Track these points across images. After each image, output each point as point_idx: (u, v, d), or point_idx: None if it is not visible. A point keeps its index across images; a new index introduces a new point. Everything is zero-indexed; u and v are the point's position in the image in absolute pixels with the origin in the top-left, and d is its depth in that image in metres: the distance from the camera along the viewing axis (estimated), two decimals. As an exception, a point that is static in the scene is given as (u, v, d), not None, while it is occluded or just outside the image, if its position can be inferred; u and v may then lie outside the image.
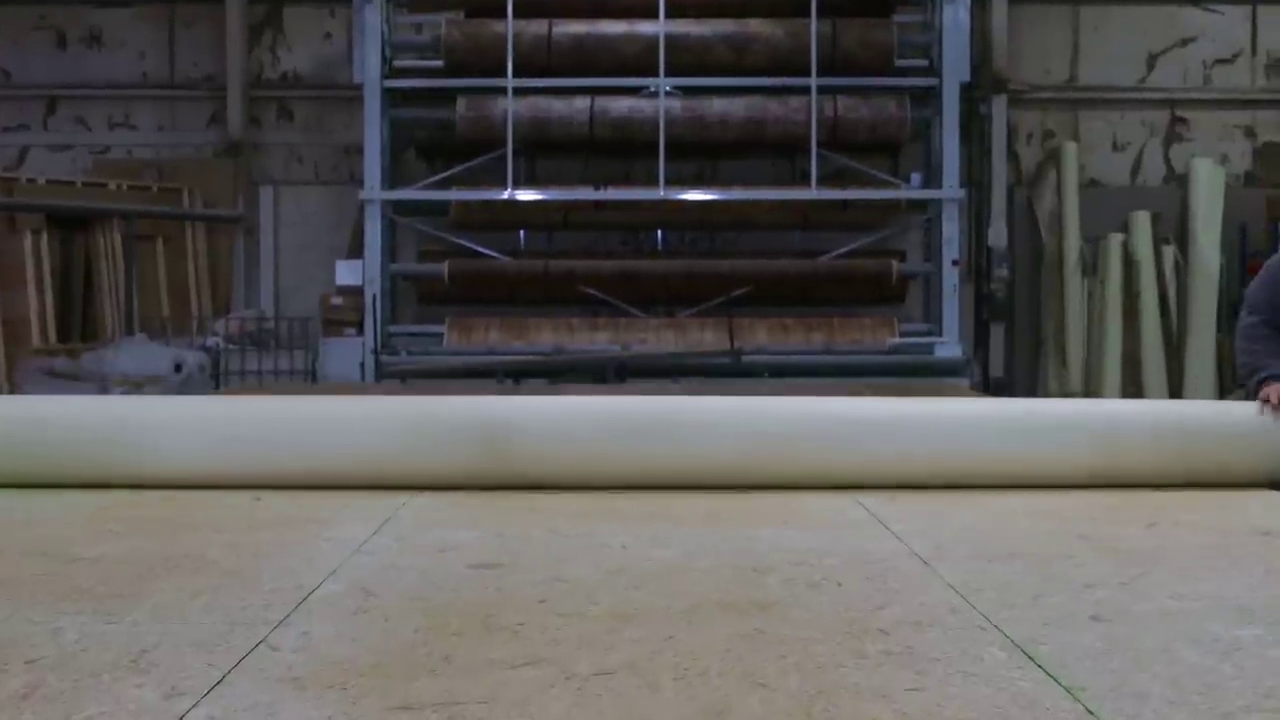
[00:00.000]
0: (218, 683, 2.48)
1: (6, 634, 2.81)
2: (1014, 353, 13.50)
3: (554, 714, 2.33)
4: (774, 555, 3.60)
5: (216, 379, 12.06)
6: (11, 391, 11.56)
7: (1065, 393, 13.02)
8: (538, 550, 3.68)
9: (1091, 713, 2.33)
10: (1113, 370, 12.95)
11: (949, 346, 12.42)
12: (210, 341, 12.40)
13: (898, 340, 12.58)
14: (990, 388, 13.12)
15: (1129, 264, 12.96)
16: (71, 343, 12.16)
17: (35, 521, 4.04)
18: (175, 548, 3.65)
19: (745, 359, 12.14)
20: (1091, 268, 13.11)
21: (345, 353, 12.58)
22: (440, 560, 3.55)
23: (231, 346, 12.41)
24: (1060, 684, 2.49)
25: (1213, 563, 3.55)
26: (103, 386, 11.37)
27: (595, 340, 12.64)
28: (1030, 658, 2.66)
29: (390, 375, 11.91)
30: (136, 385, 11.43)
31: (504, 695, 2.41)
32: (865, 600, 3.14)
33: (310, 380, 12.34)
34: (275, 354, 12.51)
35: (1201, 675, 2.55)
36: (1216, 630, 2.87)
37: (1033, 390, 13.36)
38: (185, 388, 11.64)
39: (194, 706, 2.34)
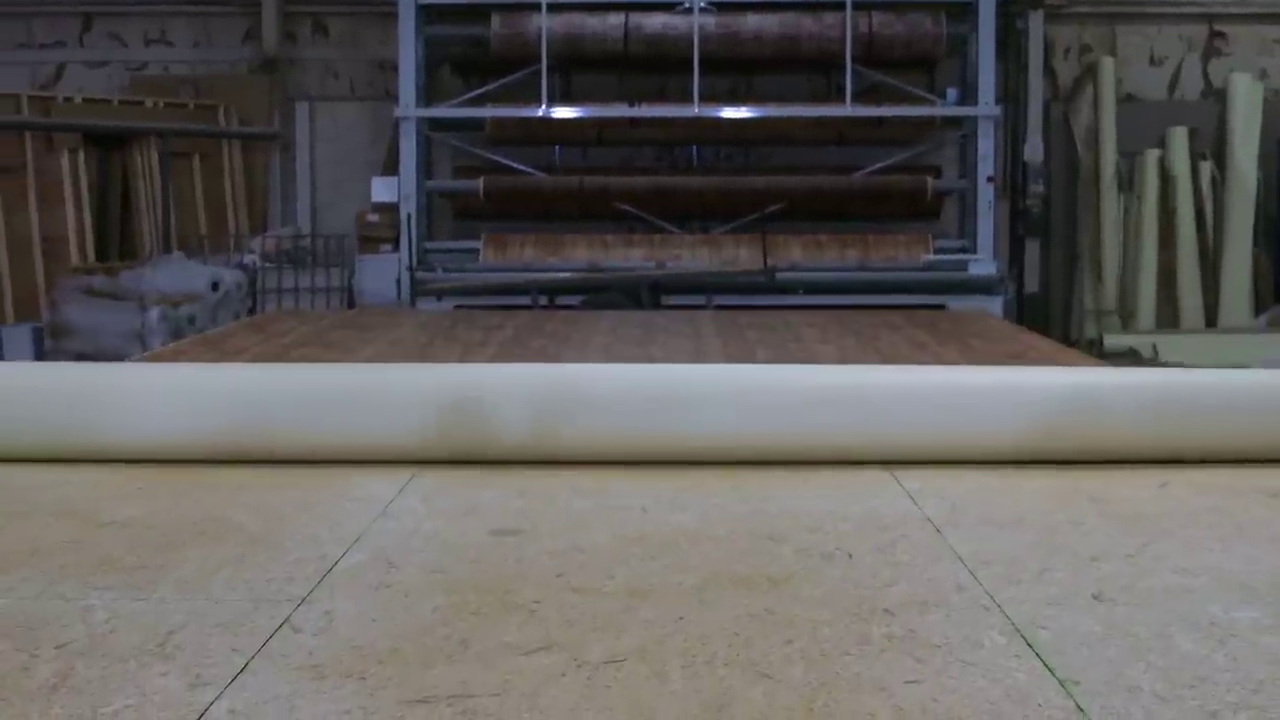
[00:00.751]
0: (240, 670, 2.57)
1: (38, 614, 2.90)
2: (1049, 269, 13.49)
3: (562, 708, 2.41)
4: (789, 521, 3.66)
5: (253, 297, 12.18)
6: (52, 309, 11.70)
7: (1100, 309, 13.03)
8: (559, 513, 3.76)
9: (1081, 709, 2.39)
10: (1148, 286, 12.94)
11: (983, 264, 12.43)
12: (247, 259, 12.50)
13: (932, 257, 12.58)
14: (1024, 304, 13.14)
15: (1165, 179, 12.92)
16: (109, 261, 12.29)
17: (62, 481, 4.13)
18: (200, 509, 3.74)
19: (779, 276, 12.18)
20: (1128, 183, 13.07)
21: (381, 270, 12.68)
22: (463, 525, 3.63)
23: (268, 265, 12.51)
24: (1055, 675, 2.56)
25: (1219, 530, 3.60)
26: (141, 304, 11.50)
27: (630, 257, 12.70)
28: (1029, 644, 2.73)
29: (426, 293, 12.00)
30: (174, 304, 11.56)
31: (516, 686, 2.50)
32: (874, 576, 3.21)
33: (346, 298, 12.44)
34: (312, 272, 12.61)
35: (1195, 666, 2.61)
36: (1215, 612, 2.93)
37: (1067, 306, 13.36)
38: (222, 306, 11.77)
39: (216, 699, 2.43)
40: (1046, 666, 2.61)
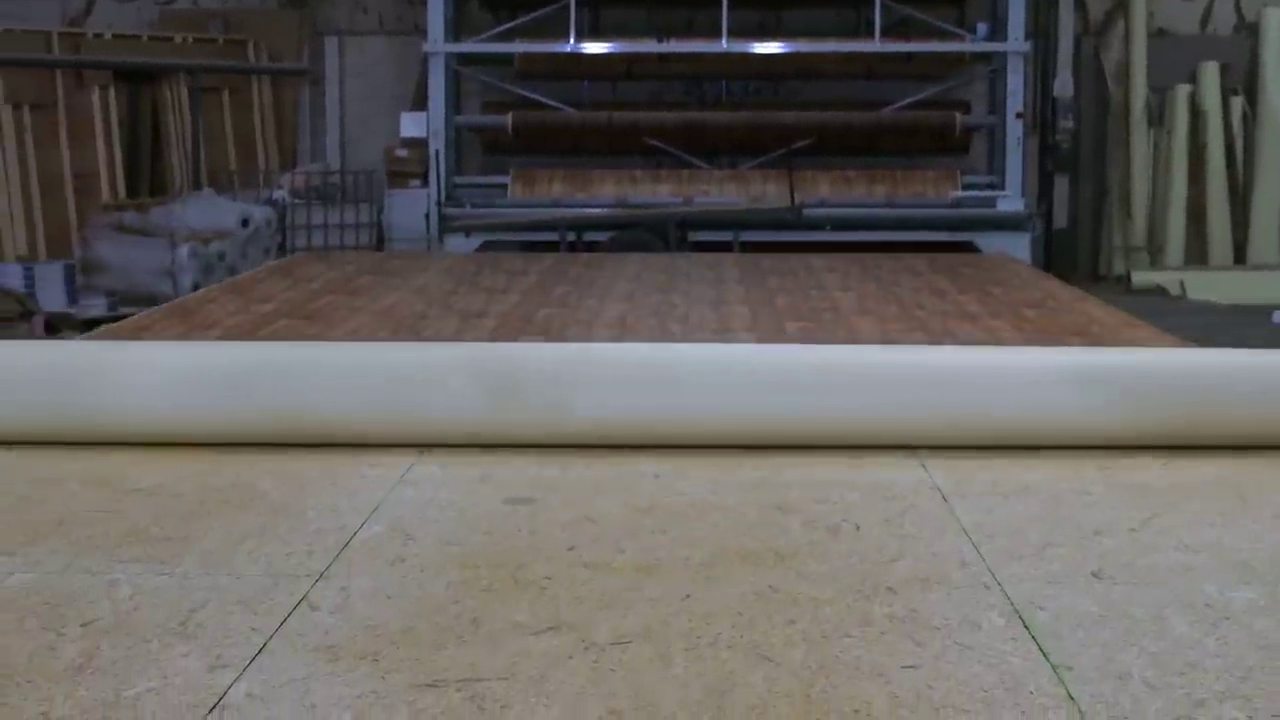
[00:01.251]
0: (259, 651, 2.66)
1: (65, 589, 2.99)
2: (1078, 205, 13.47)
3: (568, 693, 2.49)
4: (798, 491, 3.73)
5: (283, 234, 12.26)
6: (83, 246, 11.81)
7: (1128, 245, 13.02)
8: (572, 480, 3.84)
9: (1072, 698, 2.46)
10: (1177, 222, 12.92)
11: (1011, 200, 12.43)
12: (276, 195, 12.57)
13: (960, 193, 12.58)
14: (1053, 240, 13.13)
15: (1196, 115, 12.88)
16: (140, 198, 12.37)
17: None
18: (225, 477, 3.83)
19: (807, 212, 12.20)
20: (1158, 119, 13.02)
21: (410, 205, 12.74)
22: (478, 493, 3.71)
23: (297, 201, 12.58)
24: (1049, 660, 2.62)
25: (1224, 504, 3.65)
26: (171, 241, 11.59)
27: (658, 192, 12.73)
28: (1026, 626, 2.80)
29: (454, 230, 12.07)
30: (204, 240, 11.65)
31: (523, 669, 2.58)
32: (880, 550, 3.28)
33: (375, 234, 12.51)
34: (341, 208, 12.68)
35: (1186, 652, 2.67)
36: (1211, 593, 3.00)
37: (1096, 242, 13.35)
38: (252, 243, 11.85)
39: (234, 682, 2.52)
40: (1041, 650, 2.68)
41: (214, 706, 2.43)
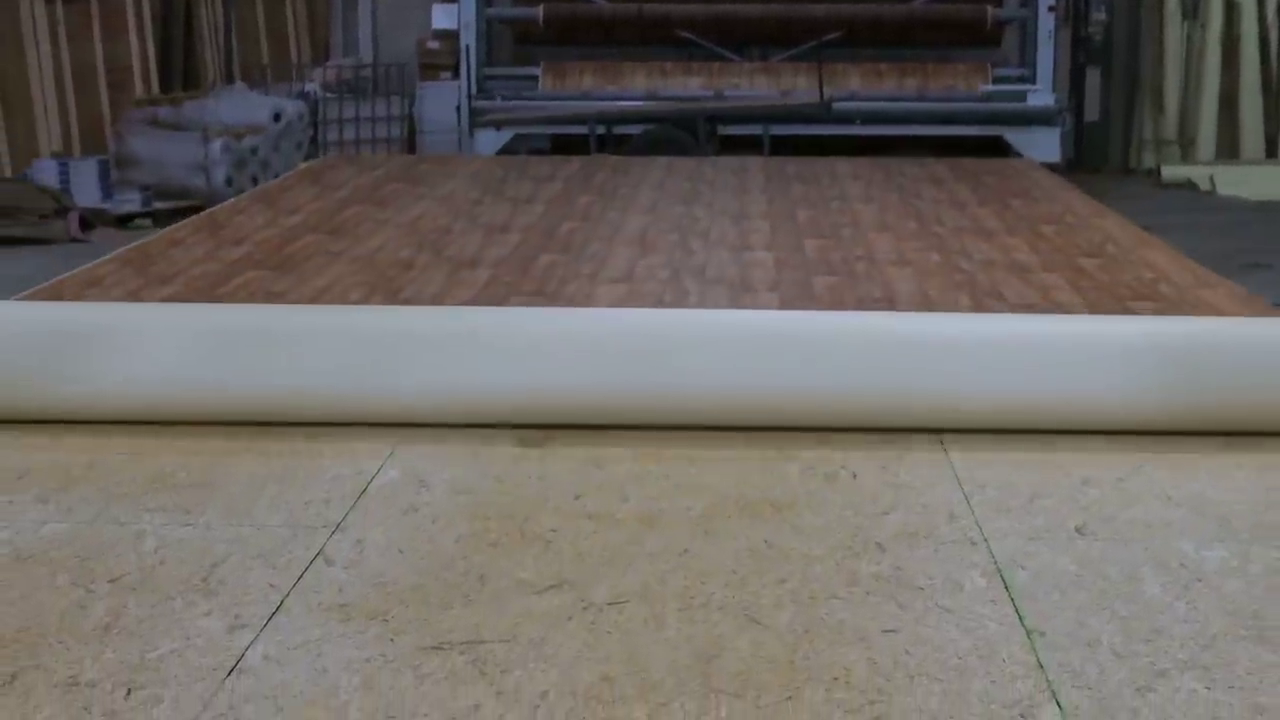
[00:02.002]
0: (276, 610, 2.82)
1: (95, 541, 3.16)
2: (1109, 98, 13.45)
3: (565, 656, 2.65)
4: (800, 434, 3.85)
5: (315, 128, 12.35)
6: (117, 140, 11.93)
7: (1159, 138, 13.01)
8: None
9: (1041, 666, 2.60)
10: (1209, 116, 12.90)
11: (1042, 94, 12.42)
12: (308, 89, 12.64)
13: (991, 87, 12.56)
14: (1083, 134, 13.12)
15: (1230, 6, 12.81)
16: (173, 92, 12.46)
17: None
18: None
19: (836, 106, 12.22)
20: (1192, 11, 12.95)
21: (441, 98, 12.82)
22: (492, 438, 3.84)
23: (329, 94, 12.65)
24: (1024, 624, 2.77)
25: (1213, 452, 3.76)
26: (204, 136, 11.70)
27: (688, 85, 12.77)
28: (1006, 587, 2.93)
29: (484, 124, 12.14)
30: (237, 135, 11.75)
31: (524, 632, 2.73)
32: (873, 502, 3.41)
33: (406, 127, 12.59)
34: (372, 101, 12.75)
35: (1154, 618, 2.81)
36: (1187, 550, 3.12)
37: (1127, 135, 13.33)
38: (284, 137, 11.95)
39: (252, 643, 2.68)
40: (1018, 614, 2.82)
41: (232, 670, 2.59)
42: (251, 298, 5.29)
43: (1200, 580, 2.99)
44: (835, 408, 3.83)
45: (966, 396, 3.81)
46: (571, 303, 5.25)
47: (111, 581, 2.97)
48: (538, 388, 3.85)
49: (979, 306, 5.15)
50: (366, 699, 2.49)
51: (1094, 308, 5.09)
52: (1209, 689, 2.53)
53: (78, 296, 5.27)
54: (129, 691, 2.51)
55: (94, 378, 3.88)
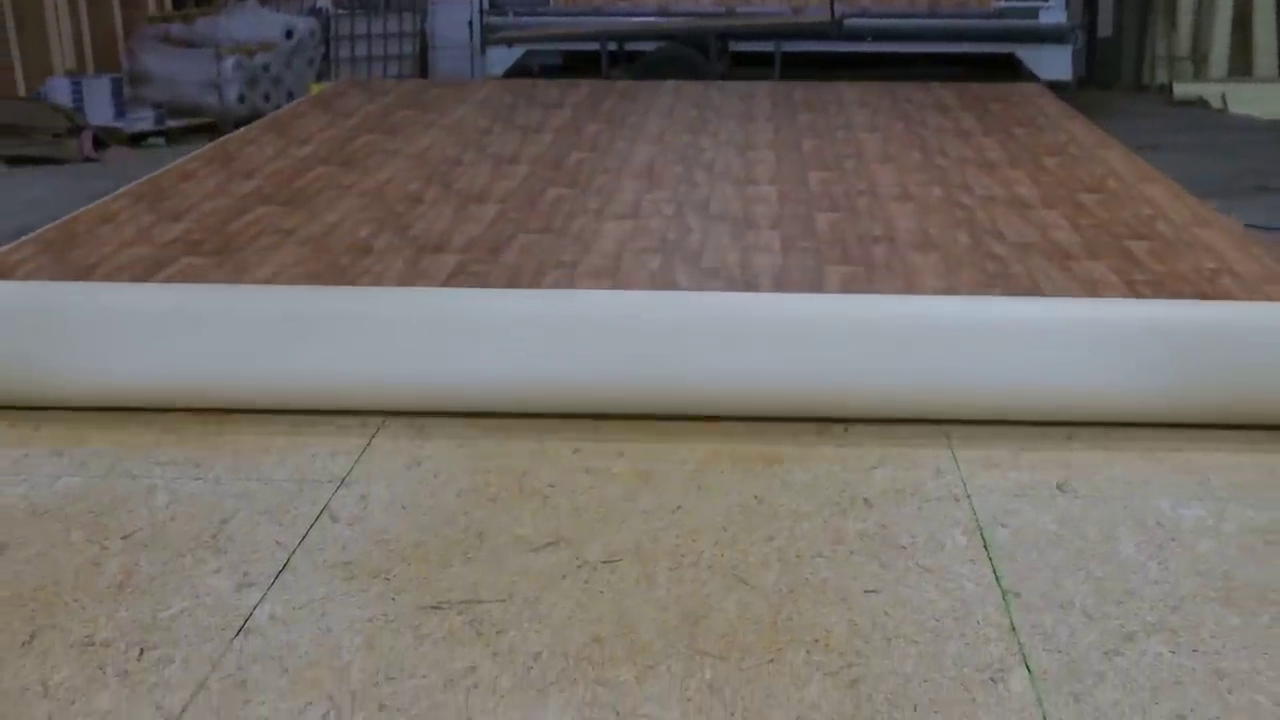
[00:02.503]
0: (282, 568, 2.94)
1: (108, 497, 3.27)
2: (1122, 13, 13.39)
3: (559, 616, 2.76)
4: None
5: (327, 45, 12.36)
6: (130, 58, 11.95)
7: (1172, 55, 12.97)
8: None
9: (1014, 629, 2.72)
10: (1222, 32, 12.86)
11: (1054, 11, 12.36)
12: (320, 5, 12.64)
13: (1003, 4, 12.52)
14: (1096, 50, 13.08)
15: (1246, -80, 12.71)
16: (186, 9, 12.47)
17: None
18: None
19: (848, 23, 12.20)
20: (1207, -76, 12.86)
21: (453, 15, 12.81)
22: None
23: (341, 11, 12.65)
24: (1000, 585, 2.87)
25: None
26: (217, 54, 11.72)
27: (700, 2, 12.74)
28: (986, 546, 3.04)
29: (496, 41, 12.14)
30: (249, 52, 11.77)
31: (520, 591, 2.85)
32: (861, 457, 3.51)
33: (418, 46, 12.58)
34: (384, 17, 12.75)
35: (1127, 578, 2.91)
36: (1163, 509, 3.22)
37: (1140, 52, 13.29)
38: (296, 54, 11.97)
39: (259, 603, 2.80)
40: (995, 574, 2.93)
41: (240, 630, 2.71)
42: (261, 234, 5.37)
43: (1175, 540, 3.09)
44: (831, 399, 3.67)
45: (969, 389, 3.65)
46: (579, 239, 5.33)
47: (124, 538, 3.09)
48: (527, 379, 3.71)
49: (977, 244, 5.22)
50: (368, 660, 2.62)
51: (1091, 247, 5.16)
52: (1173, 653, 2.64)
53: (90, 234, 5.36)
54: (141, 652, 2.63)
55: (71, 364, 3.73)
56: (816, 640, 2.68)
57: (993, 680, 2.54)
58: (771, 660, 2.61)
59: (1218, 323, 3.70)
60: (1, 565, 2.94)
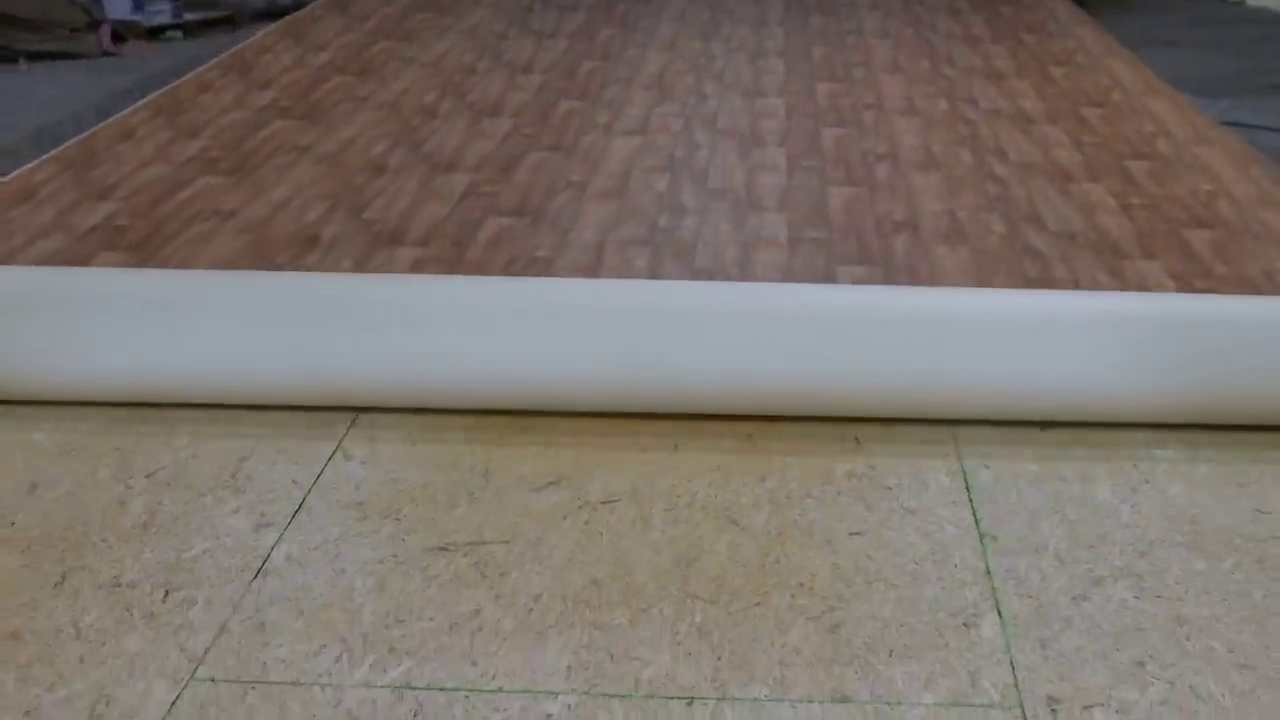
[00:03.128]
0: (298, 509, 3.10)
1: (132, 435, 3.43)
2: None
3: (559, 557, 2.93)
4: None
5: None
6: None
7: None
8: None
9: (989, 572, 2.87)
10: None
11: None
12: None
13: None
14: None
15: None
16: (203, -101, 12.41)
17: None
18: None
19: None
20: None
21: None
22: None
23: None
24: (979, 528, 3.03)
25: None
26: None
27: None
28: (968, 488, 3.18)
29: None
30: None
31: (523, 532, 3.01)
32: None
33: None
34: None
35: (1100, 522, 3.06)
36: (1139, 452, 3.36)
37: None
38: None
39: (276, 543, 2.97)
40: (975, 517, 3.08)
41: (258, 572, 2.88)
42: (278, 151, 5.49)
43: (1149, 482, 3.23)
44: (831, 396, 3.42)
45: (975, 389, 3.40)
46: (588, 157, 5.44)
47: (148, 476, 3.25)
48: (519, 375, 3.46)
49: (979, 165, 5.33)
50: (379, 602, 2.78)
51: (1091, 167, 5.26)
52: (1138, 598, 2.80)
53: (110, 151, 5.48)
54: (166, 594, 2.81)
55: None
56: (801, 584, 2.84)
57: (965, 625, 2.70)
58: (758, 604, 2.77)
59: (1245, 318, 3.41)
60: (32, 504, 3.10)
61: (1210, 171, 5.18)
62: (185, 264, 4.37)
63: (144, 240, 4.56)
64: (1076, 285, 4.17)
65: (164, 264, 4.37)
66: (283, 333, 3.44)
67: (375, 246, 4.52)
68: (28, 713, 2.45)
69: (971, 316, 3.41)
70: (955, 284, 4.17)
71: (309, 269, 4.33)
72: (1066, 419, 3.42)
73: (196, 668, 2.57)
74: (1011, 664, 2.58)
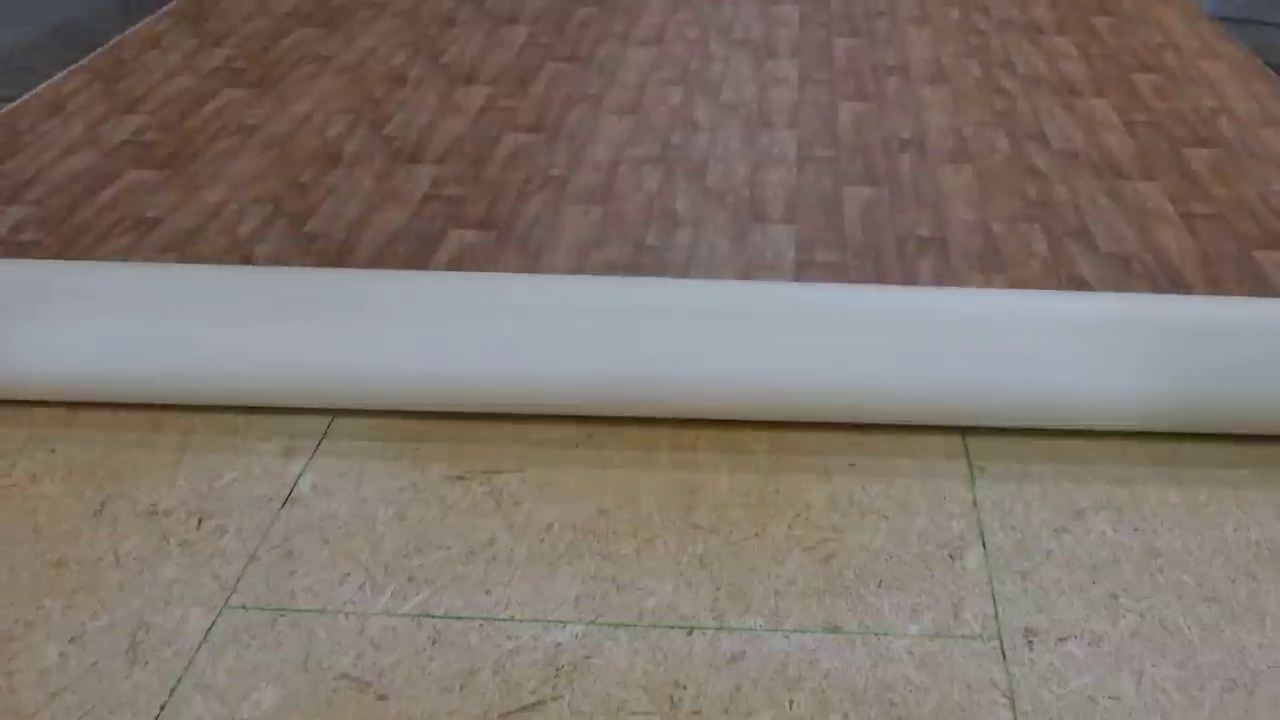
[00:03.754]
0: (324, 435, 3.27)
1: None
2: None
3: (568, 486, 3.10)
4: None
5: None
6: None
7: None
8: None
9: (976, 504, 3.03)
10: None
11: None
12: None
13: None
14: None
15: None
16: None
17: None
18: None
19: None
20: None
21: None
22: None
23: None
24: (968, 458, 3.18)
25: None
26: None
27: None
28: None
29: None
30: None
31: (535, 458, 3.17)
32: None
33: None
34: None
35: (1085, 449, 3.21)
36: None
37: None
38: None
39: (303, 472, 3.14)
40: (965, 446, 3.23)
41: (286, 500, 3.06)
42: (301, 61, 5.59)
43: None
44: (832, 401, 3.21)
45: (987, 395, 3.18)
46: (604, 69, 5.54)
47: (179, 411, 3.41)
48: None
49: (988, 78, 5.42)
50: (399, 531, 2.96)
51: (1097, 81, 5.35)
52: (1115, 531, 2.96)
53: (136, 61, 5.59)
54: (200, 521, 2.99)
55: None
56: (798, 515, 3.00)
57: (950, 557, 2.87)
58: (756, 535, 2.94)
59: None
60: (74, 431, 3.28)
61: (1215, 87, 5.27)
62: (213, 182, 4.50)
63: (171, 157, 4.71)
64: (1076, 208, 4.29)
65: (192, 181, 4.50)
66: (279, 330, 3.27)
67: (395, 163, 4.65)
68: (73, 639, 2.64)
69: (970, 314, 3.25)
70: (957, 205, 4.29)
71: (331, 187, 4.46)
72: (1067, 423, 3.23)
73: (229, 595, 2.76)
74: (993, 596, 2.75)
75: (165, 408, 3.36)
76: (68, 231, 4.18)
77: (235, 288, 3.35)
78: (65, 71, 5.48)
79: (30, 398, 3.31)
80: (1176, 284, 3.83)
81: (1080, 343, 3.15)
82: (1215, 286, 3.82)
